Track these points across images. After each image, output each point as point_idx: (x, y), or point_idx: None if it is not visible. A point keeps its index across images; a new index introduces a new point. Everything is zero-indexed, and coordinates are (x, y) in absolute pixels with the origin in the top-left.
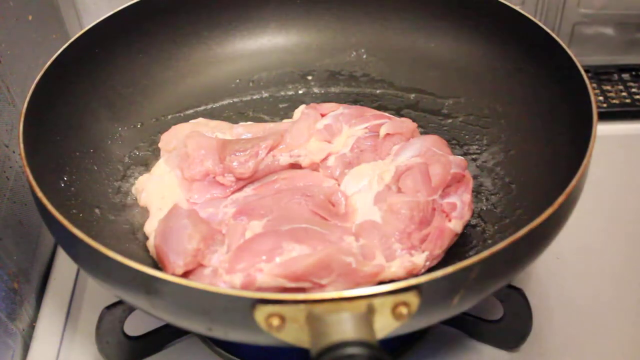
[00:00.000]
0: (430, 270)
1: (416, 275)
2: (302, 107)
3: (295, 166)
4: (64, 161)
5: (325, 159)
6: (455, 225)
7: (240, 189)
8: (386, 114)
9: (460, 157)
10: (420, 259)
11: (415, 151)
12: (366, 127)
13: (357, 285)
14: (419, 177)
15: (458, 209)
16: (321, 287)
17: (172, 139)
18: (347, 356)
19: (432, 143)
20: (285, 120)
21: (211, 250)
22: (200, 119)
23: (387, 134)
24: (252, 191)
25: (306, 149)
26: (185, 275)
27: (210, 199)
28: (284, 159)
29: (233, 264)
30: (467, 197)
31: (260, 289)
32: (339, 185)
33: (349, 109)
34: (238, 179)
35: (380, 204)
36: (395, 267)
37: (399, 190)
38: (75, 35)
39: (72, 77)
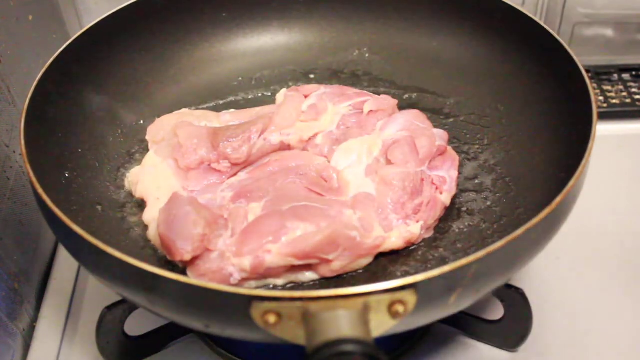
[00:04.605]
0: (426, 248)
1: (413, 244)
2: (284, 90)
3: (284, 146)
4: (65, 158)
5: (313, 137)
6: (446, 198)
7: (234, 174)
8: (365, 91)
9: (442, 130)
10: (416, 228)
11: (400, 125)
12: (350, 105)
13: (361, 257)
14: (407, 149)
15: (448, 183)
16: (328, 262)
17: (159, 130)
18: (343, 353)
19: (414, 117)
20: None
21: (216, 235)
22: (184, 110)
23: (371, 111)
24: (247, 175)
25: (295, 128)
26: (193, 260)
27: (207, 186)
28: (275, 138)
29: (241, 247)
30: (455, 172)
31: (269, 269)
32: (329, 162)
33: (331, 88)
34: (233, 165)
35: (372, 176)
36: (395, 238)
37: (388, 162)
38: (76, 34)
39: (74, 75)
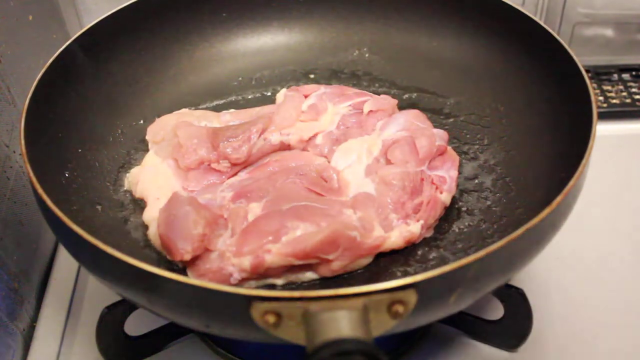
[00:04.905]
0: (426, 248)
1: (413, 244)
2: (284, 90)
3: (284, 146)
4: (65, 158)
5: (313, 137)
6: (446, 198)
7: (234, 174)
8: (365, 91)
9: (442, 130)
10: (416, 227)
11: (400, 125)
12: (350, 105)
13: (361, 257)
14: (407, 149)
15: (448, 183)
16: (328, 262)
17: (159, 130)
18: (342, 353)
19: (414, 117)
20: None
21: (216, 235)
22: (184, 110)
23: (371, 111)
24: (247, 175)
25: (295, 128)
26: (193, 260)
27: (207, 186)
28: (275, 138)
29: (240, 247)
30: (455, 172)
31: (269, 269)
32: (329, 162)
33: (331, 88)
34: (233, 165)
35: (372, 176)
36: (395, 237)
37: (388, 162)
38: (76, 34)
39: (73, 75)
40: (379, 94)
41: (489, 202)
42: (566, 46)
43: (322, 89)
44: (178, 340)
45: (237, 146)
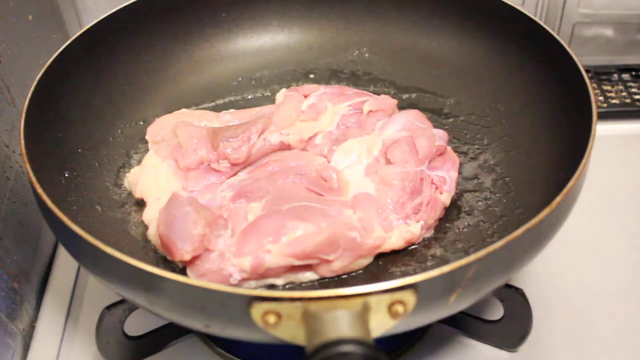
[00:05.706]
0: (426, 248)
1: (413, 244)
2: (284, 90)
3: (284, 146)
4: (65, 158)
5: (313, 137)
6: (446, 198)
7: (234, 174)
8: (366, 91)
9: (442, 130)
10: (416, 228)
11: (400, 125)
12: (350, 105)
13: (361, 257)
14: (407, 149)
15: (448, 183)
16: (328, 262)
17: (159, 130)
18: (342, 354)
19: (414, 117)
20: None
21: (216, 235)
22: (184, 110)
23: (371, 111)
24: (247, 175)
25: (295, 128)
26: (193, 260)
27: (206, 186)
28: (275, 138)
29: (240, 247)
30: (454, 173)
31: (269, 269)
32: (328, 162)
33: (331, 88)
34: (233, 165)
35: (372, 176)
36: (395, 238)
37: (388, 162)
38: (76, 34)
39: (73, 75)
40: (378, 94)
41: (489, 202)
42: (566, 46)
43: (322, 89)
44: (178, 340)
45: (237, 146)
